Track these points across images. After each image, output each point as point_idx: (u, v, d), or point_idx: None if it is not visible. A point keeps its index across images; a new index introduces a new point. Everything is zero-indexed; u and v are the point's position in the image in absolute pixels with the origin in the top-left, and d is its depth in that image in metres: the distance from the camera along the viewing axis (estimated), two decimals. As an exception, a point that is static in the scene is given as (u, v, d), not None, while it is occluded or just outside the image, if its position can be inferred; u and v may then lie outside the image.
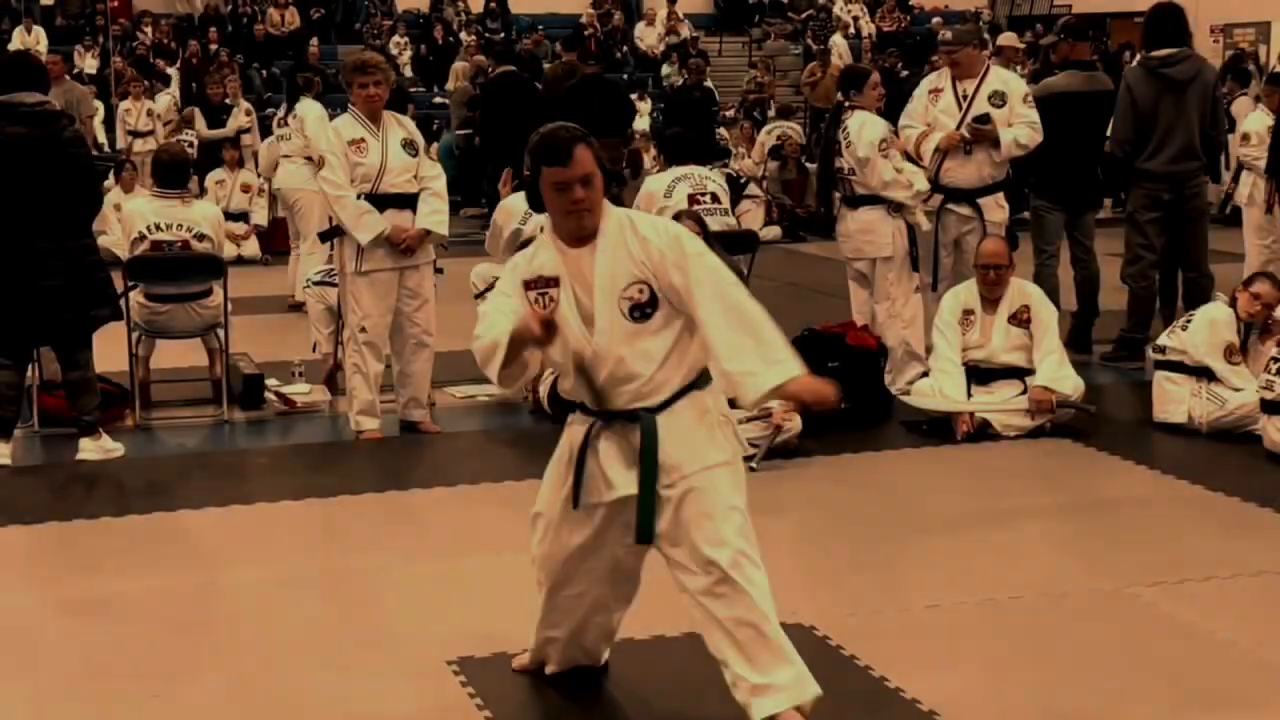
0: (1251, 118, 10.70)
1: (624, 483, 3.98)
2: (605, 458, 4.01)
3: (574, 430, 4.10)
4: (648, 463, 3.93)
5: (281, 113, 12.27)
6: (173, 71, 21.56)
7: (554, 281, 3.98)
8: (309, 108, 11.21)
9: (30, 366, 7.36)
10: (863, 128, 7.91)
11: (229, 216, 12.50)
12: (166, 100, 18.95)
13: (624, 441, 3.99)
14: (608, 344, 3.95)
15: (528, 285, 4.00)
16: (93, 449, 7.09)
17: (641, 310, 3.94)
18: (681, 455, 3.94)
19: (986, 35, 15.22)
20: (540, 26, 24.77)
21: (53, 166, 6.99)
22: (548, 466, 4.21)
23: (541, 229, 4.16)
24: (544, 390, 7.69)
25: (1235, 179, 11.04)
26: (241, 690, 4.50)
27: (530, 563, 4.31)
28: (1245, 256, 10.18)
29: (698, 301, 3.89)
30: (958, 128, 8.17)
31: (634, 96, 18.82)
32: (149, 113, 17.76)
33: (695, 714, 4.28)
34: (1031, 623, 4.99)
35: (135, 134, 17.53)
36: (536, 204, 4.06)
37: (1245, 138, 10.50)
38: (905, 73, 17.19)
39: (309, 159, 9.64)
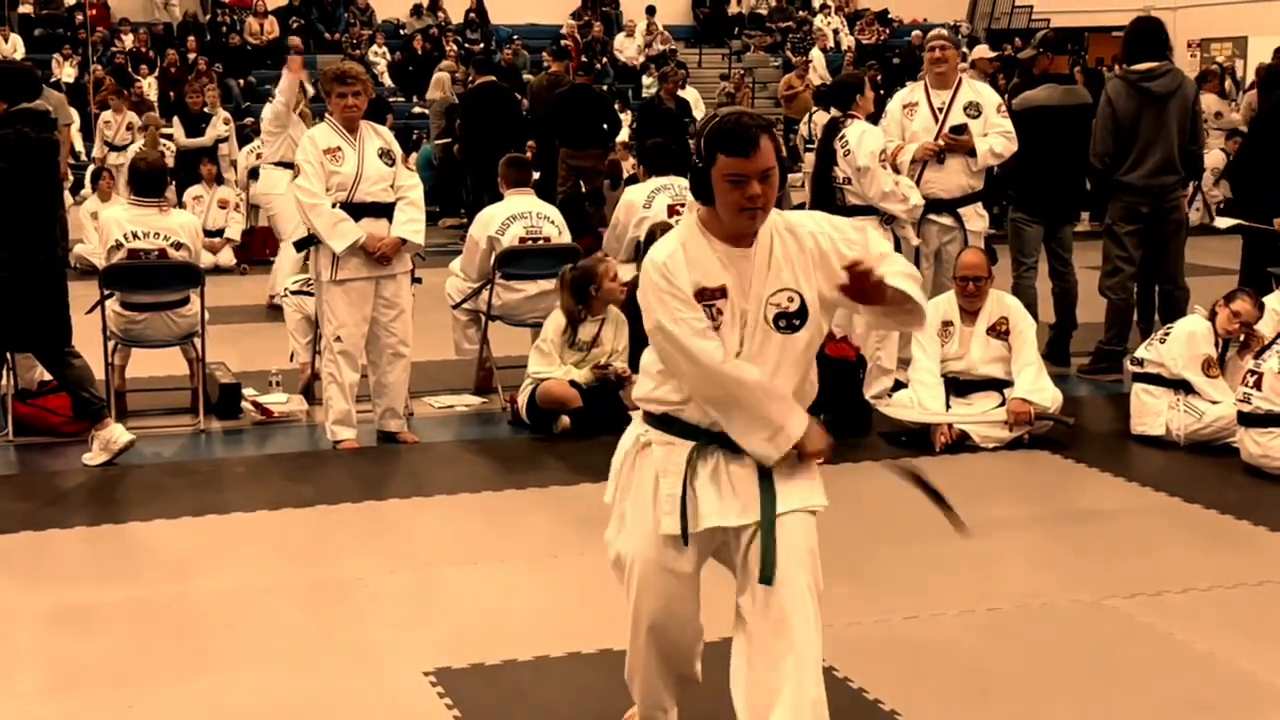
0: None
1: (715, 512, 3.58)
2: (705, 484, 3.59)
3: (665, 454, 3.62)
4: (769, 497, 3.56)
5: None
6: (150, 81, 21.49)
7: (721, 292, 3.51)
8: None
9: (5, 375, 7.32)
10: (863, 137, 7.86)
11: (206, 233, 12.46)
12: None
13: (724, 468, 3.59)
14: (752, 357, 3.54)
15: (698, 296, 3.50)
16: (101, 442, 7.06)
17: (789, 320, 3.55)
18: (785, 489, 3.59)
19: (965, 49, 15.28)
20: (516, 37, 24.83)
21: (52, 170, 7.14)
22: (625, 505, 3.71)
23: (670, 220, 3.66)
24: (522, 400, 7.68)
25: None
26: (217, 701, 4.47)
27: (635, 640, 3.79)
28: None
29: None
30: (935, 139, 8.20)
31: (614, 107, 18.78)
32: (129, 126, 17.70)
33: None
34: (1010, 634, 4.99)
35: (112, 147, 17.45)
36: (703, 195, 3.52)
37: None
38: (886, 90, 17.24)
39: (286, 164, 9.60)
